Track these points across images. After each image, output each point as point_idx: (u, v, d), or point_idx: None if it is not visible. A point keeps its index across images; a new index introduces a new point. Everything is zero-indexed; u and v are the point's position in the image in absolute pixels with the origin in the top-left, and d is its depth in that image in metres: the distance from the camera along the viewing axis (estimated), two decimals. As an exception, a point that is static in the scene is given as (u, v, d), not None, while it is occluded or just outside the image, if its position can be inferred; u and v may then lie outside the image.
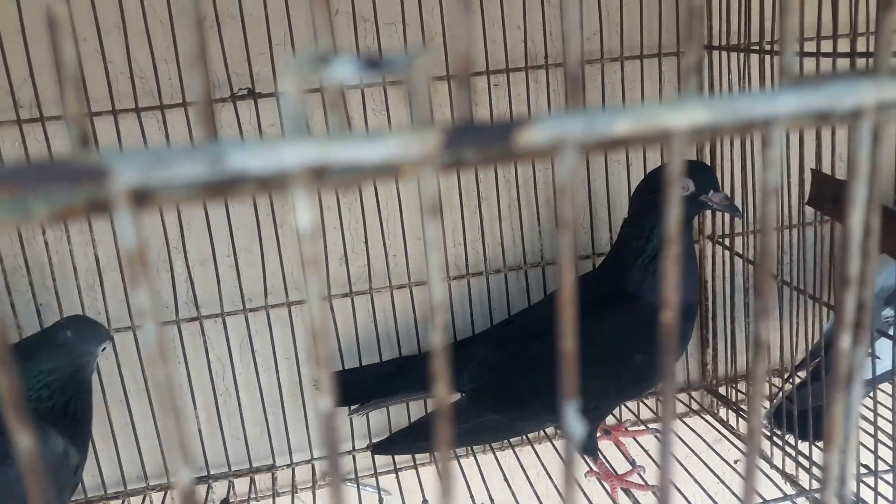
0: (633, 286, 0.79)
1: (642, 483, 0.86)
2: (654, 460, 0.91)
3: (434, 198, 0.13)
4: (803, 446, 0.83)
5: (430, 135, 0.13)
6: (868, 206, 0.18)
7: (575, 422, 0.16)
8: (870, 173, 0.18)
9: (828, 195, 0.72)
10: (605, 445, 0.93)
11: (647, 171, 0.84)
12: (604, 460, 0.86)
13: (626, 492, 0.85)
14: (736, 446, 0.93)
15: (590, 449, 0.84)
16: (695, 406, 1.01)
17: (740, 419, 0.96)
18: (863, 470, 0.77)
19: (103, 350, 0.76)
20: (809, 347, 0.83)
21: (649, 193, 0.78)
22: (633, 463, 0.89)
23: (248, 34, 0.80)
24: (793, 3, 0.15)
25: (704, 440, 0.93)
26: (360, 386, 0.85)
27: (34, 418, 0.64)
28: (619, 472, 0.86)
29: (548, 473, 0.89)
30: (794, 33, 0.16)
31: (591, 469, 0.86)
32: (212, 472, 0.92)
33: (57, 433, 0.71)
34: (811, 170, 0.73)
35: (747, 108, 0.14)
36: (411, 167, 0.13)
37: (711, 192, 0.74)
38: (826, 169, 0.74)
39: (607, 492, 0.85)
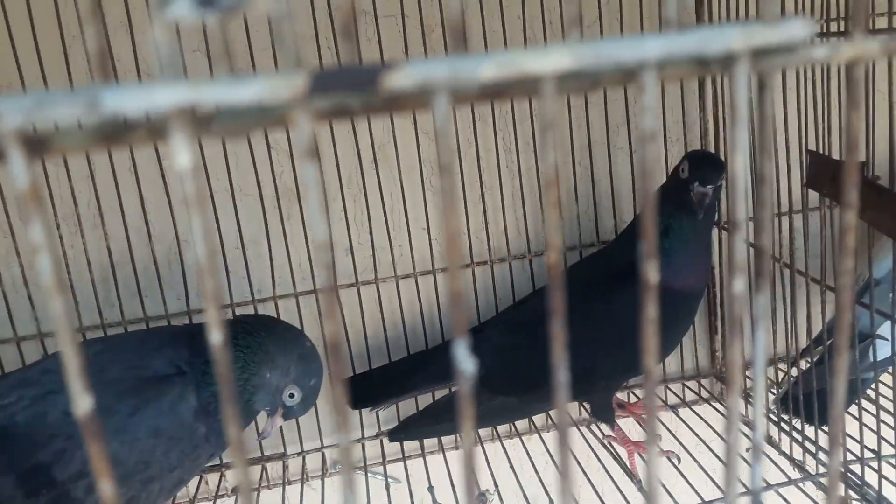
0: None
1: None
2: (674, 435, 0.91)
3: (309, 141, 0.14)
4: (810, 431, 0.82)
5: (297, 77, 0.14)
6: (761, 155, 0.19)
7: (465, 359, 0.17)
8: (760, 121, 0.18)
9: (826, 176, 0.72)
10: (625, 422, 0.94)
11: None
12: (620, 428, 0.87)
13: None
14: (745, 434, 0.93)
15: (606, 417, 0.87)
16: (704, 394, 1.01)
17: (749, 406, 0.95)
18: (868, 454, 0.76)
19: (291, 396, 0.71)
20: (814, 332, 0.82)
21: (673, 173, 0.79)
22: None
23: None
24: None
25: (714, 428, 0.93)
26: (378, 387, 0.87)
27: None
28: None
29: (555, 463, 0.89)
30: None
31: (606, 435, 0.90)
32: (224, 461, 0.94)
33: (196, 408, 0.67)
34: (808, 151, 0.73)
35: (614, 52, 0.15)
36: (285, 112, 0.14)
37: (696, 184, 0.74)
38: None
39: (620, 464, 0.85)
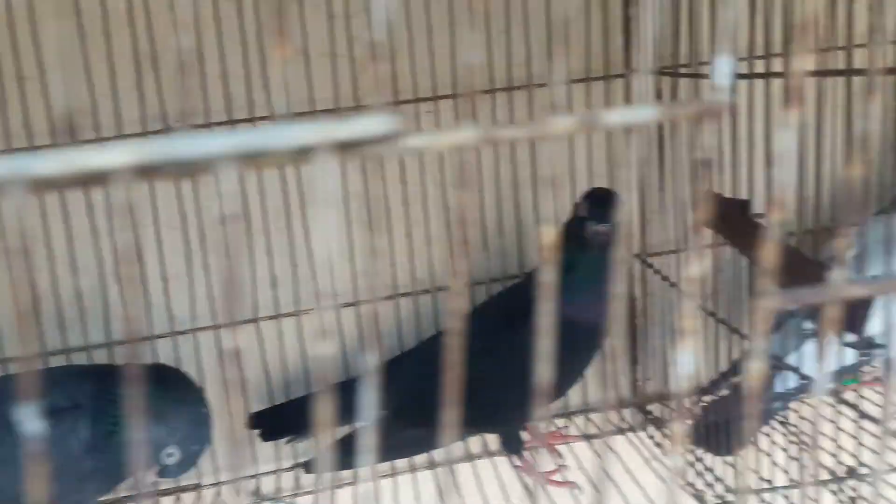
0: None
1: (562, 480, 0.89)
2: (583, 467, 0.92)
3: None
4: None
5: None
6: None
7: (31, 421, 0.18)
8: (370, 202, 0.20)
9: (716, 215, 0.74)
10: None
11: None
12: (529, 458, 0.89)
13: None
14: (666, 465, 0.94)
15: (513, 449, 0.89)
16: (625, 425, 1.02)
17: (665, 438, 0.96)
18: (764, 484, 0.77)
19: (169, 455, 0.72)
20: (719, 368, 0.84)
21: (575, 209, 0.81)
22: (558, 463, 0.92)
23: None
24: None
25: (635, 459, 0.94)
26: (288, 420, 0.88)
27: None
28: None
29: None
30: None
31: (515, 465, 0.91)
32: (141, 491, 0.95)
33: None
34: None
35: (180, 149, 0.17)
36: None
37: (593, 222, 0.76)
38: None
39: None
